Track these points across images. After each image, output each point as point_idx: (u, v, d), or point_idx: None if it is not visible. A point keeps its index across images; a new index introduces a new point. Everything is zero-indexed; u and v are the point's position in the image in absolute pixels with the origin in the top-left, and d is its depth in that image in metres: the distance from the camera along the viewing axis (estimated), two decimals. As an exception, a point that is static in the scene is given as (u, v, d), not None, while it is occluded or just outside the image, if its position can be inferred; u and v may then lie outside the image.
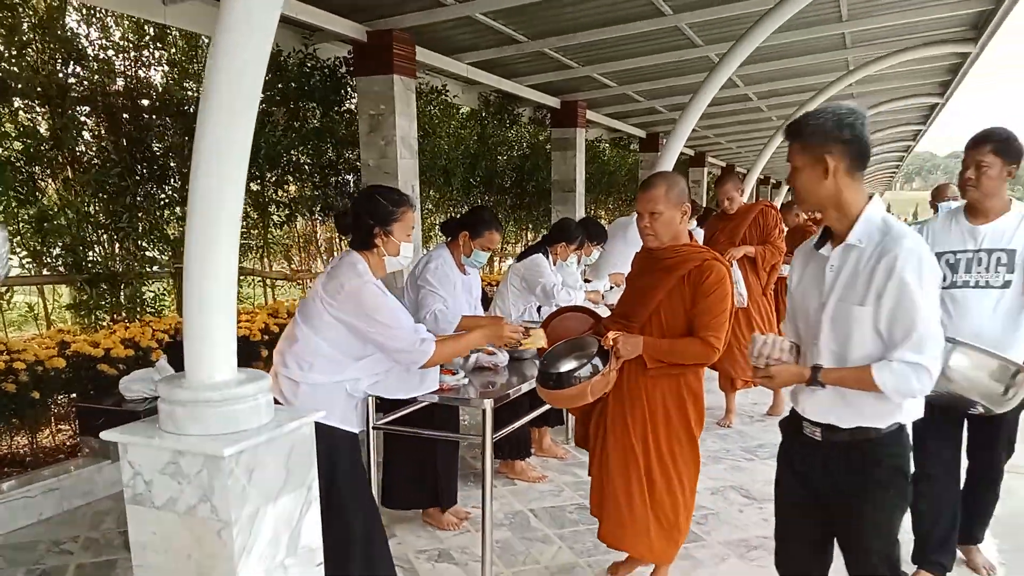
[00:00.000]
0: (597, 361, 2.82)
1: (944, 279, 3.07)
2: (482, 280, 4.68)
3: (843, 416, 2.18)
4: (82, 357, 4.73)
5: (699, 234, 8.44)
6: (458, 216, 4.18)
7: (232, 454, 1.88)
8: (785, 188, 15.78)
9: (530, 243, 12.12)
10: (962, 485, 3.41)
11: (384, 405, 3.53)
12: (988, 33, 7.91)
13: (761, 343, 2.25)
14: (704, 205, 11.03)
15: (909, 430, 2.24)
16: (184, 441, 1.92)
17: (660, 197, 2.88)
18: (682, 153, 15.69)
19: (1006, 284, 3.01)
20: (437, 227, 6.07)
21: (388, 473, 3.98)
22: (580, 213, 10.18)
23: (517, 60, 7.88)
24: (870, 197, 2.16)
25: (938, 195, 6.57)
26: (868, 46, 8.49)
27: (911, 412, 2.18)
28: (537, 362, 3.32)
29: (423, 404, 3.57)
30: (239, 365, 2.10)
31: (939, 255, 3.11)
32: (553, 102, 9.83)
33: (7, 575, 3.55)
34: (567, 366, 2.91)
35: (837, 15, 7.12)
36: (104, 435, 1.99)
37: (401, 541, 3.84)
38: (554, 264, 4.85)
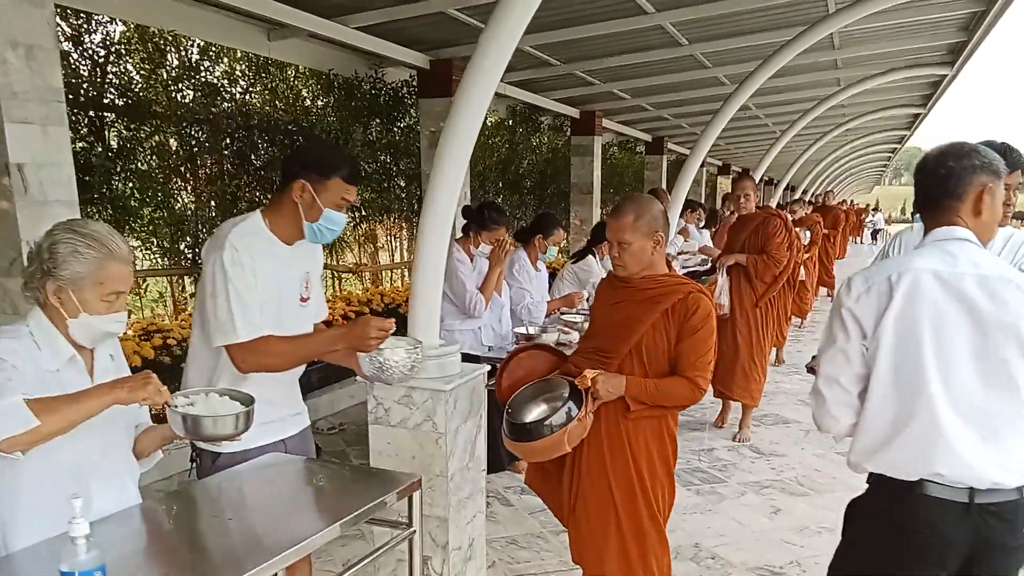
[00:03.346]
0: (571, 405, 2.56)
1: None
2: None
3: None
4: (211, 336, 5.75)
5: (705, 237, 9.53)
6: (527, 226, 5.21)
7: (449, 389, 2.92)
8: (782, 187, 16.83)
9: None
10: None
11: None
12: (963, 58, 8.99)
13: None
14: (707, 206, 12.09)
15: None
16: (415, 381, 2.95)
17: (628, 226, 2.64)
18: (679, 153, 16.86)
19: None
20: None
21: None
22: (596, 213, 11.24)
23: (548, 79, 8.90)
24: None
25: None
26: (857, 67, 9.56)
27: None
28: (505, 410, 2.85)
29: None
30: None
31: None
32: (573, 112, 10.86)
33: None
34: (536, 413, 2.69)
35: (830, 44, 8.18)
36: (360, 377, 3.04)
37: (490, 481, 4.87)
38: (601, 260, 5.88)
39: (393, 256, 9.67)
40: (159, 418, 2.18)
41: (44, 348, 1.87)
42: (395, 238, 9.62)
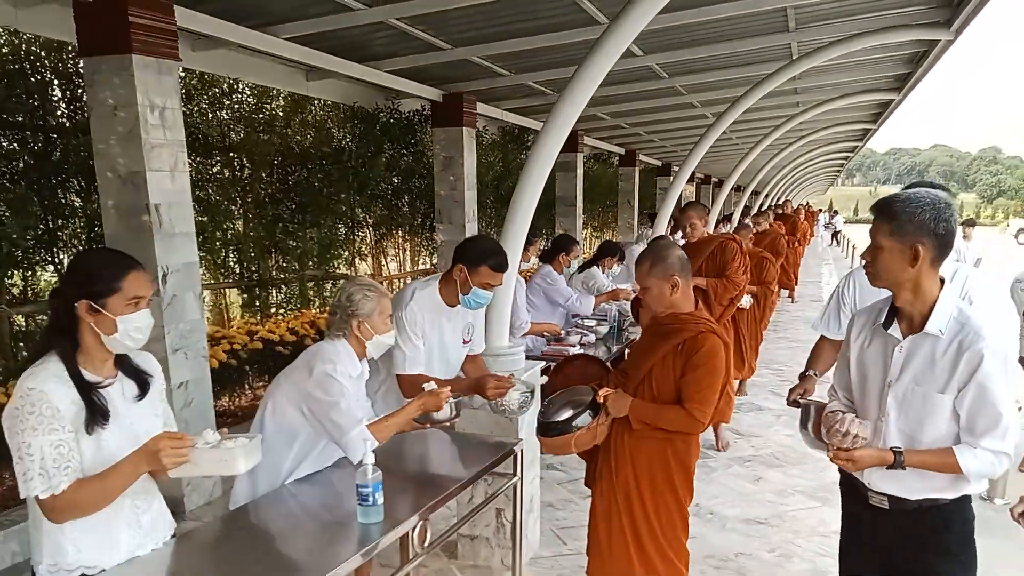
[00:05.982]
0: (587, 414, 2.89)
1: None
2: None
3: (912, 488, 2.26)
4: (265, 341, 6.58)
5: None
6: (550, 248, 6.18)
7: (521, 380, 3.83)
8: (748, 191, 17.97)
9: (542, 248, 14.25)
10: None
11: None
12: (909, 86, 10.12)
13: (849, 423, 2.26)
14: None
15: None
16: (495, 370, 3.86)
17: (645, 273, 2.96)
18: (648, 164, 17.98)
19: None
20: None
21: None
22: (580, 223, 12.25)
23: (540, 105, 9.84)
24: (942, 282, 2.19)
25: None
26: (814, 92, 10.67)
27: (977, 485, 2.25)
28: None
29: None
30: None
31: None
32: (558, 132, 11.82)
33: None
34: (561, 414, 2.95)
35: (791, 77, 9.24)
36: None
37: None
38: (604, 272, 6.86)
39: (403, 267, 10.54)
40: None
41: (350, 364, 2.80)
42: (402, 250, 10.50)
